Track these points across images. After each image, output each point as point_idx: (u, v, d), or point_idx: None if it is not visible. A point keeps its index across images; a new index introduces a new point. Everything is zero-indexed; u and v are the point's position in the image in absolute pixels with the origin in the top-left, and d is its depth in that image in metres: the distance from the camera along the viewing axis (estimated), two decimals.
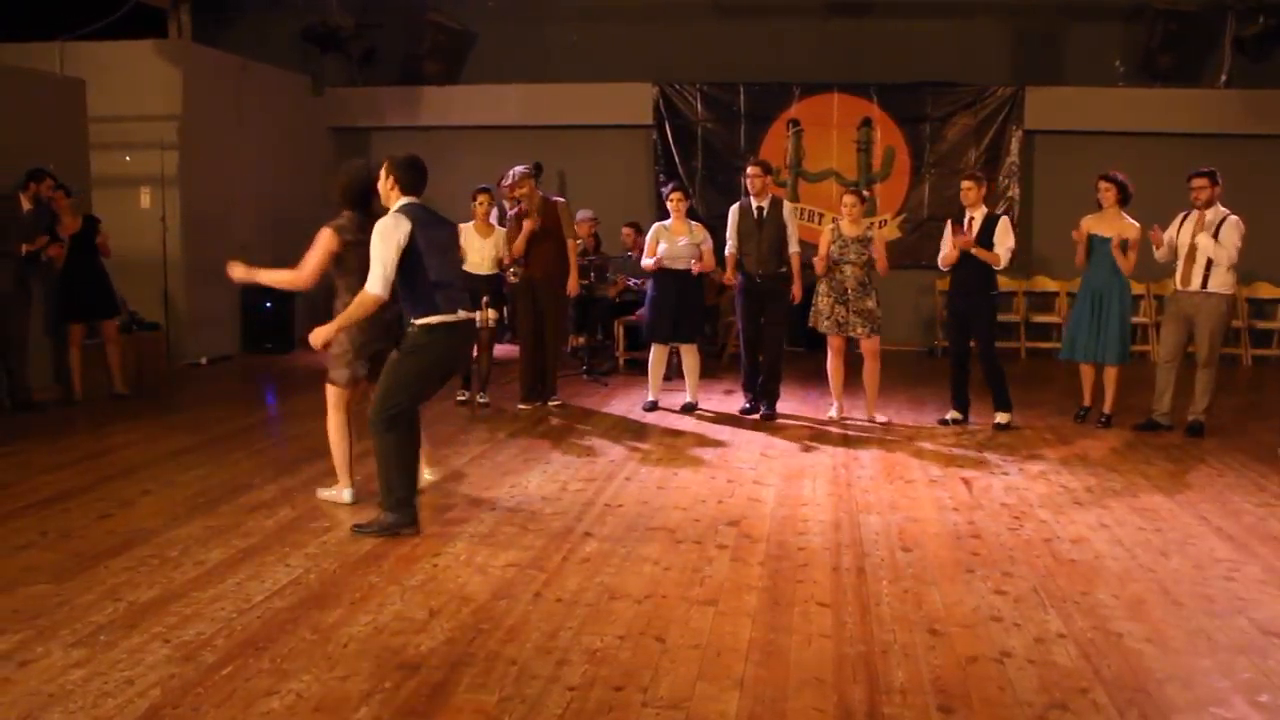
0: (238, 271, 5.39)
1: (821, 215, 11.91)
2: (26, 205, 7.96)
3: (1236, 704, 3.36)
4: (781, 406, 8.29)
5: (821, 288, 7.77)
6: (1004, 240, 7.37)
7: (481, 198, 8.15)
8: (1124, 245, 7.38)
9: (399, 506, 4.99)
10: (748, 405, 8.21)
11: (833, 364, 7.87)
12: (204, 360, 10.50)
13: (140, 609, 4.05)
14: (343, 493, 5.52)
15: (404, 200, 4.92)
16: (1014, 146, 11.85)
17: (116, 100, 9.86)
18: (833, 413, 7.95)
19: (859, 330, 7.61)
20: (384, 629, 3.90)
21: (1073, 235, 7.64)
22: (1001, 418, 7.56)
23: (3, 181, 8.03)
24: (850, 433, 7.56)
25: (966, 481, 6.16)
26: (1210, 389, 7.40)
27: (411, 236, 4.77)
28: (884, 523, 5.33)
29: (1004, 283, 11.78)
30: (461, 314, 4.98)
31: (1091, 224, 7.58)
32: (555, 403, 8.27)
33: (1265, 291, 11.51)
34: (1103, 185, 7.54)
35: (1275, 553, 4.90)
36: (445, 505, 5.56)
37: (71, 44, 10.10)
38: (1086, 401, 7.84)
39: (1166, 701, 3.37)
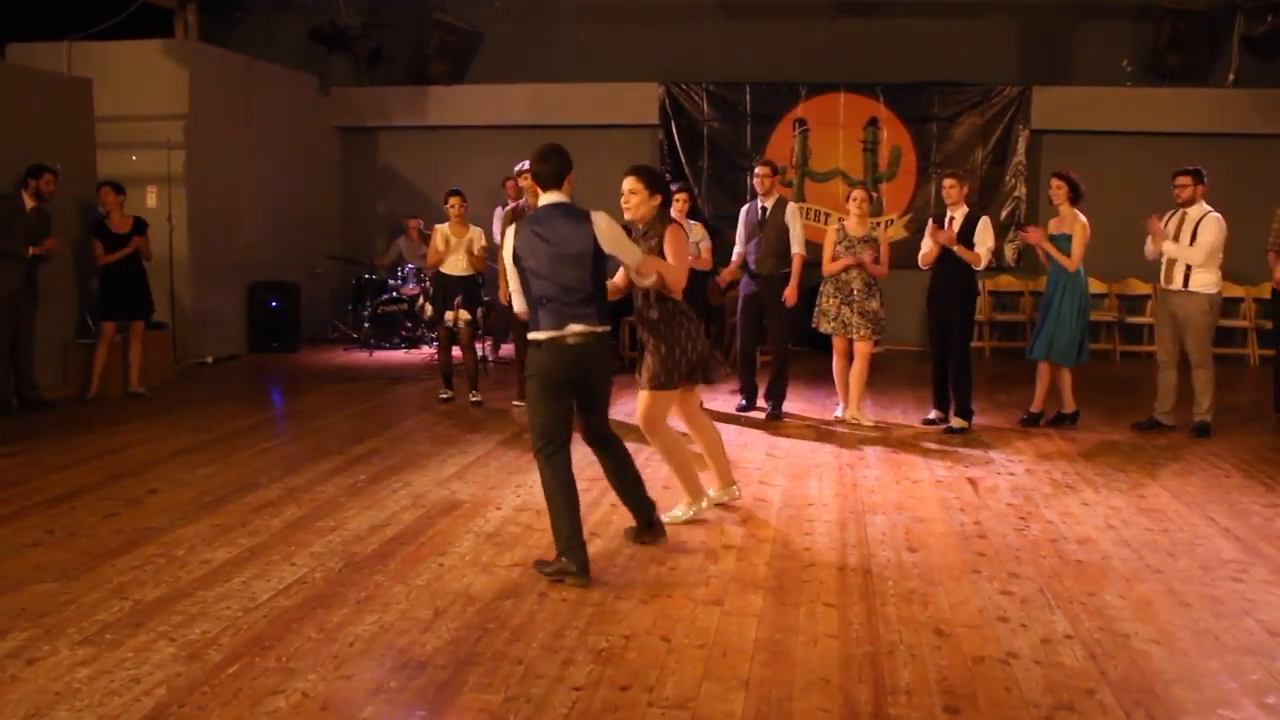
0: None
1: (827, 215, 11.89)
2: (30, 203, 7.97)
3: (1244, 705, 3.35)
4: (787, 406, 8.29)
5: (826, 288, 7.75)
6: (984, 240, 7.37)
7: (453, 200, 8.30)
8: (1064, 242, 7.38)
9: (566, 549, 4.44)
10: (744, 403, 8.23)
11: (838, 365, 7.86)
12: (210, 359, 10.52)
13: (146, 608, 4.06)
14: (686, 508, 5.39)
15: (543, 200, 4.58)
16: (1021, 146, 11.82)
17: (123, 100, 9.89)
18: (839, 413, 7.94)
19: (862, 331, 7.59)
20: (390, 628, 3.90)
21: (1026, 238, 7.63)
22: (958, 423, 7.53)
23: (10, 181, 8.05)
24: (856, 433, 7.54)
25: (972, 482, 6.15)
26: (1209, 388, 7.39)
27: (515, 250, 4.48)
28: (890, 523, 5.32)
29: (1009, 283, 11.84)
30: (572, 328, 4.45)
31: (1052, 225, 7.60)
32: None
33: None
34: (1055, 183, 7.57)
35: None
36: (450, 505, 5.56)
37: (79, 44, 10.13)
38: (1037, 406, 7.75)
39: (1174, 703, 3.36)
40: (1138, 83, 11.71)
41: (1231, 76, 11.42)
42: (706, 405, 8.30)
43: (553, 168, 4.56)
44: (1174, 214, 7.43)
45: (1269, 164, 11.26)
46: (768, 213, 7.93)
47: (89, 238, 8.50)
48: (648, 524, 4.94)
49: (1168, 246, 7.25)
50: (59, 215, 8.30)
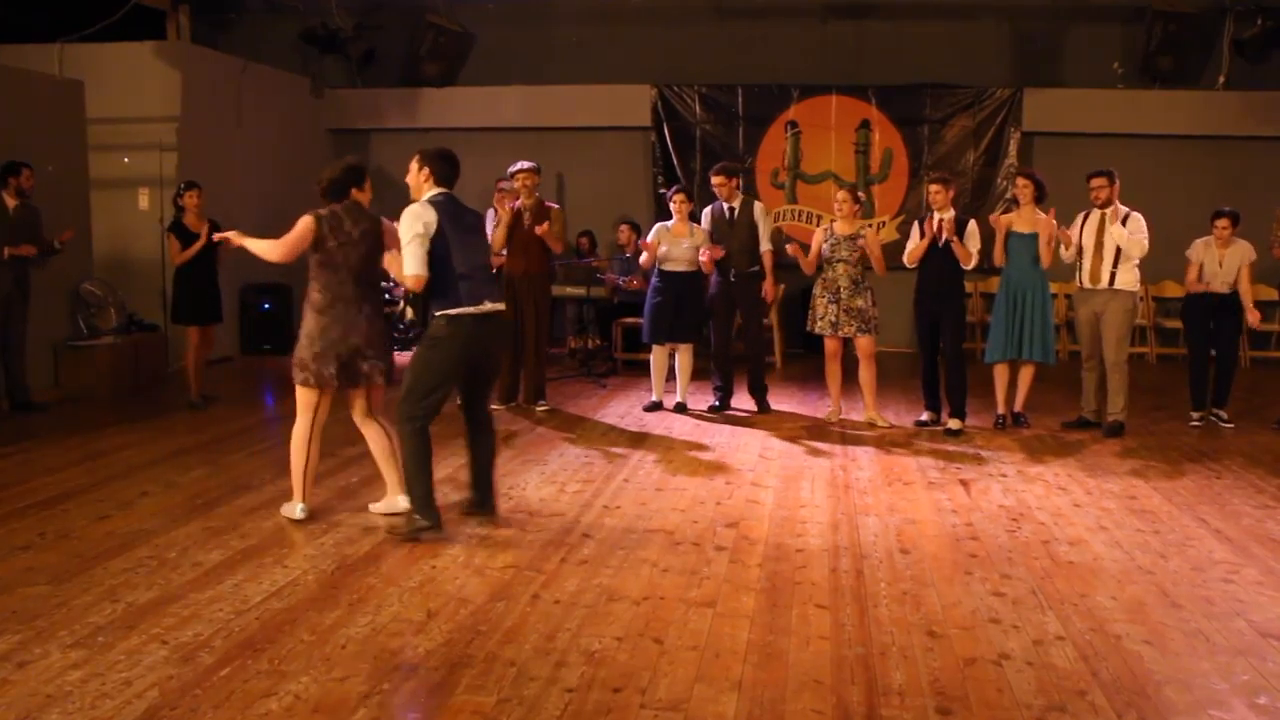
0: (234, 238, 5.45)
1: (820, 217, 11.91)
2: (12, 201, 7.88)
3: (1235, 706, 3.36)
4: (779, 408, 8.32)
5: (815, 289, 7.77)
6: (972, 242, 7.44)
7: None
8: (1035, 240, 7.46)
9: (421, 508, 4.98)
10: (716, 403, 8.26)
11: (829, 366, 7.89)
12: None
13: (138, 610, 4.05)
14: (295, 507, 5.30)
15: (434, 191, 5.01)
16: (1012, 148, 11.85)
17: (115, 102, 9.85)
18: (830, 414, 7.96)
19: (849, 329, 7.60)
20: (382, 630, 3.90)
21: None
22: (955, 424, 7.55)
23: None
24: (848, 434, 7.56)
25: (965, 483, 6.17)
26: (1124, 388, 7.50)
27: (439, 225, 4.85)
28: (882, 524, 5.33)
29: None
30: (487, 305, 4.96)
31: (1009, 221, 7.65)
32: (543, 407, 8.22)
33: (1264, 294, 11.49)
34: (1021, 182, 7.65)
35: (1273, 555, 4.91)
36: (444, 506, 5.55)
37: (70, 45, 10.10)
38: (1003, 408, 7.80)
39: (1165, 704, 3.37)
40: (1129, 85, 11.75)
41: (1222, 79, 11.47)
42: (701, 407, 8.33)
43: (452, 168, 5.10)
44: (1086, 216, 7.55)
45: (1260, 166, 11.32)
46: (735, 213, 8.06)
47: (167, 235, 8.34)
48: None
49: (1115, 230, 7.31)
50: (49, 219, 8.24)
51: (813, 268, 7.73)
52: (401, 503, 5.23)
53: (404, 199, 5.03)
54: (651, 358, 8.35)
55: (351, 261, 5.11)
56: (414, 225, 4.84)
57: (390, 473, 5.36)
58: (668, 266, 8.00)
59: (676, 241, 7.99)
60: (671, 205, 8.11)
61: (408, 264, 4.85)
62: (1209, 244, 7.73)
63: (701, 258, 7.93)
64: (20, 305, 8.01)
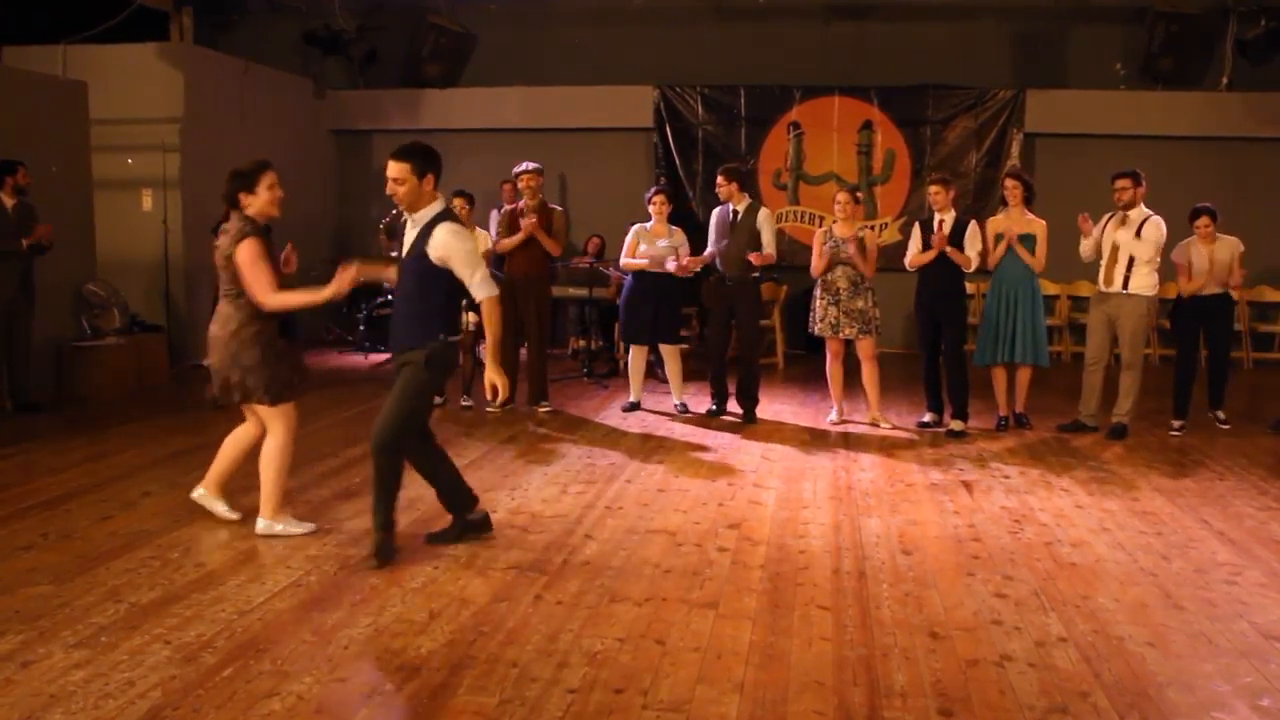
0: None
1: (821, 218, 11.91)
2: (10, 201, 7.84)
3: (1238, 708, 3.36)
4: (781, 409, 8.29)
5: (817, 291, 7.77)
6: (973, 244, 7.44)
7: (458, 201, 8.12)
8: (1029, 241, 7.45)
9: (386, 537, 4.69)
10: (714, 407, 8.22)
11: (831, 367, 7.87)
12: (205, 362, 10.48)
13: (141, 610, 4.06)
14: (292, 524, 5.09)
15: (440, 204, 4.68)
16: (1015, 149, 11.84)
17: (118, 103, 9.87)
18: (833, 416, 7.95)
19: (849, 331, 7.59)
20: (384, 631, 3.90)
21: (996, 238, 7.62)
22: (957, 425, 7.55)
23: None
24: (850, 435, 7.55)
25: (967, 485, 6.16)
26: (1134, 391, 7.49)
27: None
28: (884, 526, 5.33)
29: None
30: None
31: (999, 224, 7.63)
32: (545, 408, 8.22)
33: (1267, 295, 11.50)
34: (1010, 183, 7.64)
35: (1276, 556, 4.90)
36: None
37: (74, 47, 10.12)
38: (1004, 410, 7.78)
39: (1167, 705, 3.37)
40: (1131, 86, 11.75)
41: (1224, 80, 11.46)
42: (693, 408, 8.32)
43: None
44: (1112, 216, 7.49)
45: (1262, 167, 11.32)
46: (739, 216, 7.91)
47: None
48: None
49: (1122, 236, 7.29)
50: (52, 220, 8.24)
51: (820, 271, 7.69)
52: (221, 508, 5.18)
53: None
54: (629, 358, 8.35)
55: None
56: (469, 245, 4.61)
57: (227, 470, 5.32)
58: (645, 266, 8.00)
59: (653, 241, 8.00)
60: (650, 207, 8.11)
61: (483, 289, 4.58)
62: (1194, 244, 7.57)
63: (670, 266, 7.92)
64: (26, 306, 8.01)
